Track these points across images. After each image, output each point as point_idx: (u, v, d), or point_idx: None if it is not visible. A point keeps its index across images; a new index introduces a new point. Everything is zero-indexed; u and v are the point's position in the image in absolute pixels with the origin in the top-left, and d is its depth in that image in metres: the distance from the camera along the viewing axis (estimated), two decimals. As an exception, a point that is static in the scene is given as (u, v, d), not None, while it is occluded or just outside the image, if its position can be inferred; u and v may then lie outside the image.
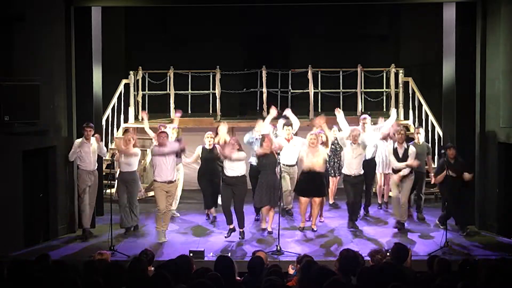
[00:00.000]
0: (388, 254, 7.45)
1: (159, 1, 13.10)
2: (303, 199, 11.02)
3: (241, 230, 10.72)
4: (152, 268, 7.09)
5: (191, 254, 9.08)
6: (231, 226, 10.72)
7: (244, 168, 10.75)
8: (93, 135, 11.01)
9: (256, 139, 11.29)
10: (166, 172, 10.57)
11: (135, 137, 11.26)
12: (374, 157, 12.05)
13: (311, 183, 10.87)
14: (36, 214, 10.72)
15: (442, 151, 11.09)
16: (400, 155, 10.92)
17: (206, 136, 11.58)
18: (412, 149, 11.00)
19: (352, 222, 11.15)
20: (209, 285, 5.43)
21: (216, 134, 11.82)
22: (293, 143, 11.54)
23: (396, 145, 11.01)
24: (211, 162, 11.40)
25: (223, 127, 11.86)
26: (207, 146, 11.53)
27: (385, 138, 11.78)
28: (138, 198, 11.37)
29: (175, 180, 10.77)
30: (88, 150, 10.94)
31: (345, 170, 11.18)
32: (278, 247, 9.84)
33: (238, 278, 6.63)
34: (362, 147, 11.01)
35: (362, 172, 11.08)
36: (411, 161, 10.86)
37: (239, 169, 10.62)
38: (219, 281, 5.82)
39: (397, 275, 5.93)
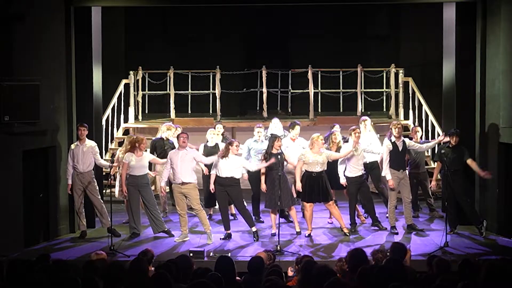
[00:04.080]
0: (388, 253, 7.45)
1: (159, 1, 13.10)
2: (308, 205, 10.70)
3: (254, 230, 10.63)
4: (152, 268, 7.09)
5: (191, 254, 9.08)
6: (228, 232, 10.68)
7: (238, 172, 10.64)
8: (87, 136, 10.95)
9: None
10: (180, 174, 10.50)
11: (145, 140, 11.01)
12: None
13: (315, 187, 10.61)
14: (36, 214, 10.71)
15: (442, 151, 11.07)
16: (400, 148, 10.84)
17: (209, 133, 11.58)
18: (407, 140, 10.98)
19: (375, 220, 11.09)
20: (209, 285, 5.43)
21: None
22: (298, 143, 11.54)
23: (393, 139, 10.93)
24: None
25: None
26: (209, 144, 11.51)
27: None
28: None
29: (190, 182, 10.54)
30: (78, 151, 10.84)
31: (349, 173, 10.92)
32: (278, 247, 9.84)
33: (238, 278, 6.63)
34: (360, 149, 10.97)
35: (364, 172, 11.03)
36: (416, 146, 10.88)
37: (232, 171, 10.54)
38: (219, 281, 5.82)
39: (398, 274, 5.94)
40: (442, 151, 10.86)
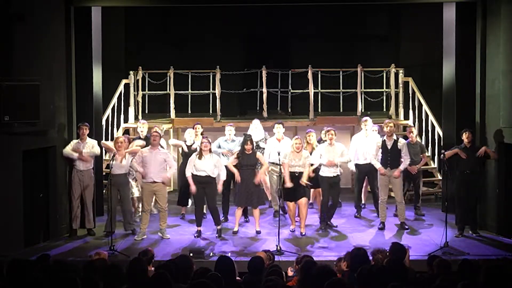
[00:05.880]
0: (387, 254, 7.46)
1: (159, 1, 13.11)
2: (291, 204, 10.87)
3: (218, 228, 10.79)
4: (152, 268, 7.10)
5: (191, 254, 9.09)
6: (200, 229, 10.80)
7: (214, 171, 10.71)
8: (89, 135, 11.01)
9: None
10: (152, 173, 10.63)
11: (119, 138, 11.12)
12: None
13: (295, 187, 10.70)
14: (36, 214, 10.71)
15: (443, 151, 11.08)
16: (389, 147, 10.91)
17: (187, 133, 11.68)
18: (402, 141, 11.03)
19: (325, 223, 11.05)
20: (209, 285, 5.43)
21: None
22: (284, 143, 11.54)
23: (385, 137, 11.02)
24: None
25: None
26: (188, 143, 11.60)
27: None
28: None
29: (160, 181, 10.70)
30: (80, 149, 10.90)
31: (322, 172, 11.00)
32: (278, 247, 9.83)
33: (238, 278, 6.64)
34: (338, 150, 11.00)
35: (339, 173, 11.05)
36: (404, 156, 10.91)
37: (208, 170, 10.64)
38: (219, 281, 5.82)
39: (398, 274, 5.94)
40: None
